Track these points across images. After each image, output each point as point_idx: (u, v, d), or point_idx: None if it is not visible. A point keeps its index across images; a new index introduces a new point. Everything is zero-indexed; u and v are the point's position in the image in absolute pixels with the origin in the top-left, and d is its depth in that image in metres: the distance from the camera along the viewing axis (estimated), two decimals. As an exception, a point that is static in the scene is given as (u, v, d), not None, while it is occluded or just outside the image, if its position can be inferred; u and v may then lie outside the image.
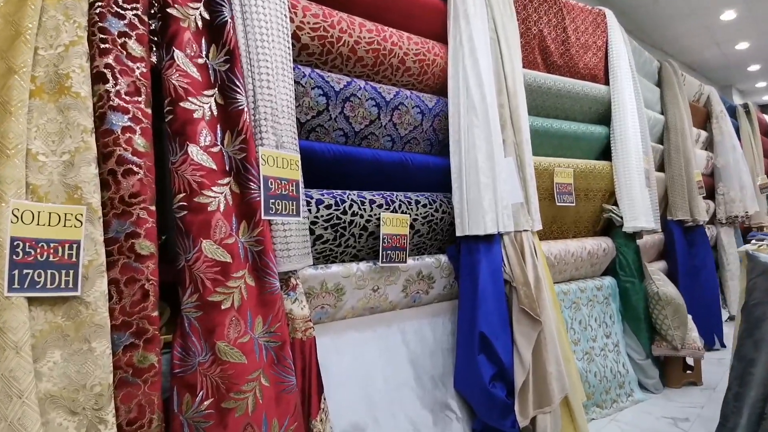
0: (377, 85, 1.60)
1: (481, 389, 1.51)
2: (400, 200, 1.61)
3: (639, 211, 2.29)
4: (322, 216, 1.40)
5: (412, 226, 1.64)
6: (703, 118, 4.12)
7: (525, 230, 1.73)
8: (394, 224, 1.54)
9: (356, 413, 1.41)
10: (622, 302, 2.39)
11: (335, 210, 1.43)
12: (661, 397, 2.35)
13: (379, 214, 1.52)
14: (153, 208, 0.99)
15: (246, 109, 1.13)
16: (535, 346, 1.58)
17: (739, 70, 7.59)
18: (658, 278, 2.48)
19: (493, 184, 1.64)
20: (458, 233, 1.67)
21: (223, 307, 1.04)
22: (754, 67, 7.55)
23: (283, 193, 1.16)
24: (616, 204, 2.39)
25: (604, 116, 2.47)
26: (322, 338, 1.40)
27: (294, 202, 1.19)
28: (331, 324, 1.48)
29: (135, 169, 0.97)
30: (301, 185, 1.23)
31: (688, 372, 2.53)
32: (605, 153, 2.47)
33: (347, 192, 1.50)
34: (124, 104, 0.98)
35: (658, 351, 2.40)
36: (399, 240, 1.55)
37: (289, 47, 1.26)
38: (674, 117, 3.26)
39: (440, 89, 1.80)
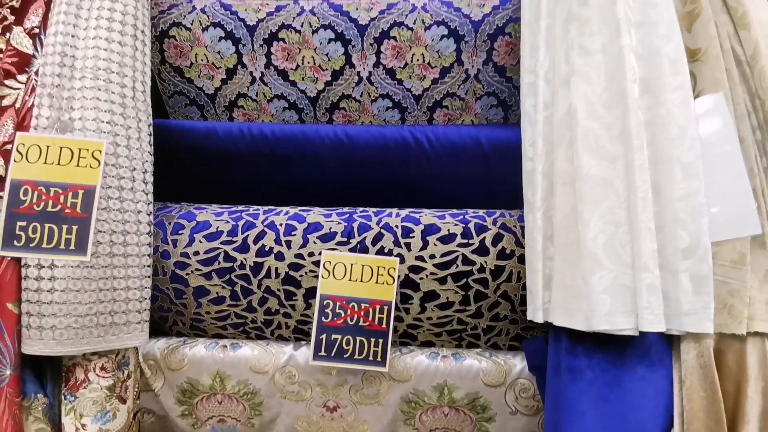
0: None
1: None
2: (383, 225, 0.75)
3: None
4: (197, 254, 0.76)
5: (409, 283, 0.73)
6: None
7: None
8: (349, 274, 0.71)
9: None
10: None
11: (226, 243, 0.75)
12: None
13: (320, 253, 0.73)
14: None
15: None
16: None
17: None
18: None
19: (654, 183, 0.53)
20: (533, 316, 0.64)
21: None
22: None
23: (50, 210, 0.63)
24: None
25: None
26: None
27: (74, 227, 0.64)
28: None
29: None
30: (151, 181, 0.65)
31: None
32: None
33: (261, 210, 0.79)
34: None
35: None
36: (367, 311, 0.71)
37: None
38: None
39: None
